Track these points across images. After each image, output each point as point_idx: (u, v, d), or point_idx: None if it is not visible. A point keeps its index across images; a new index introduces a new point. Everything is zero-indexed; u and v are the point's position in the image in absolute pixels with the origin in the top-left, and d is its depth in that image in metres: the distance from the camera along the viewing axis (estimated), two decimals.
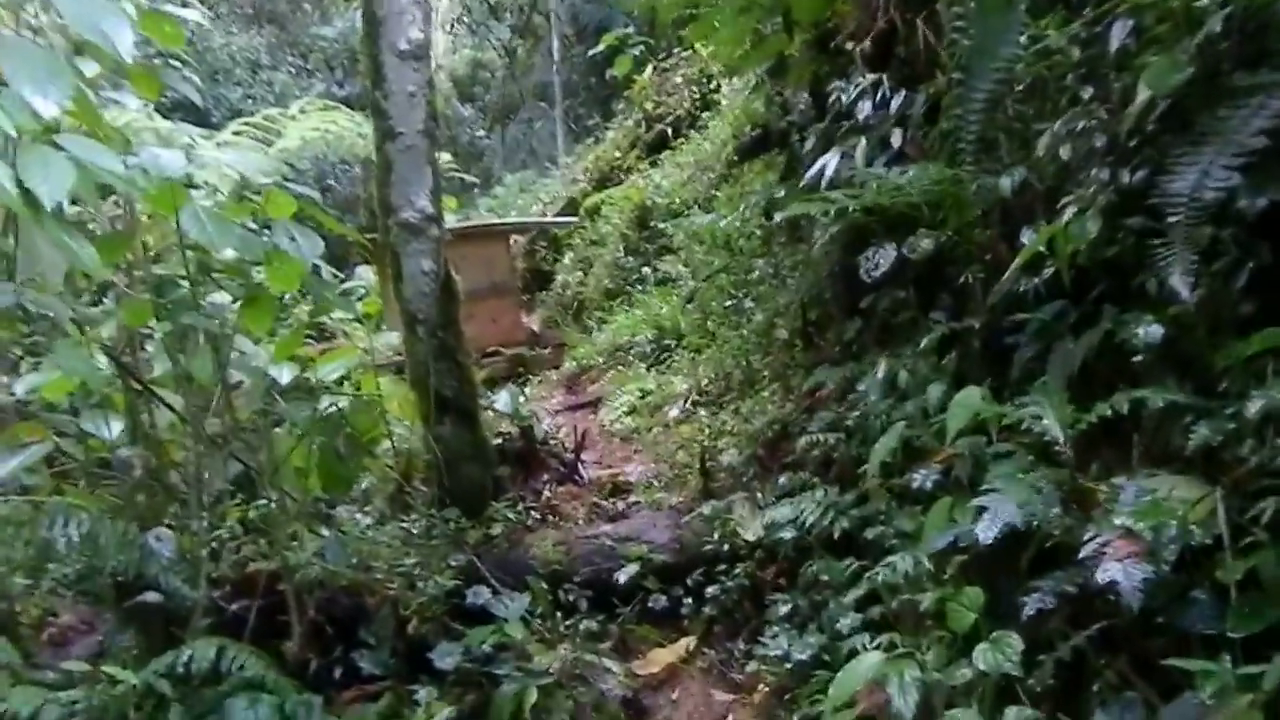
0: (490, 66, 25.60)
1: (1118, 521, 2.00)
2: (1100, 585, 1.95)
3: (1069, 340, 2.77)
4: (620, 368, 7.11)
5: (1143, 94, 2.25)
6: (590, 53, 12.44)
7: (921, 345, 3.20)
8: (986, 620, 2.51)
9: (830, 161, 3.31)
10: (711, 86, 10.22)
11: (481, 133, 25.64)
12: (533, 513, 4.94)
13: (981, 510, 2.21)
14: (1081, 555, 2.03)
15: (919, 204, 3.13)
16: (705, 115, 9.82)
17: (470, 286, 8.65)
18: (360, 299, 6.53)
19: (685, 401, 6.02)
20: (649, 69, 11.04)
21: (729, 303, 6.33)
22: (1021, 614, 2.17)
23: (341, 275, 9.69)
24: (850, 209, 3.08)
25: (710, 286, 6.94)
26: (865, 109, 3.48)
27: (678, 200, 8.67)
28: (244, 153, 9.91)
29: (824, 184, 3.34)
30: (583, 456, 5.64)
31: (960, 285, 3.21)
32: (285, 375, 5.98)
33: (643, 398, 6.46)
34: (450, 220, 11.15)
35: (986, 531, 2.13)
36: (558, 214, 10.67)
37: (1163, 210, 2.13)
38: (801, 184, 3.70)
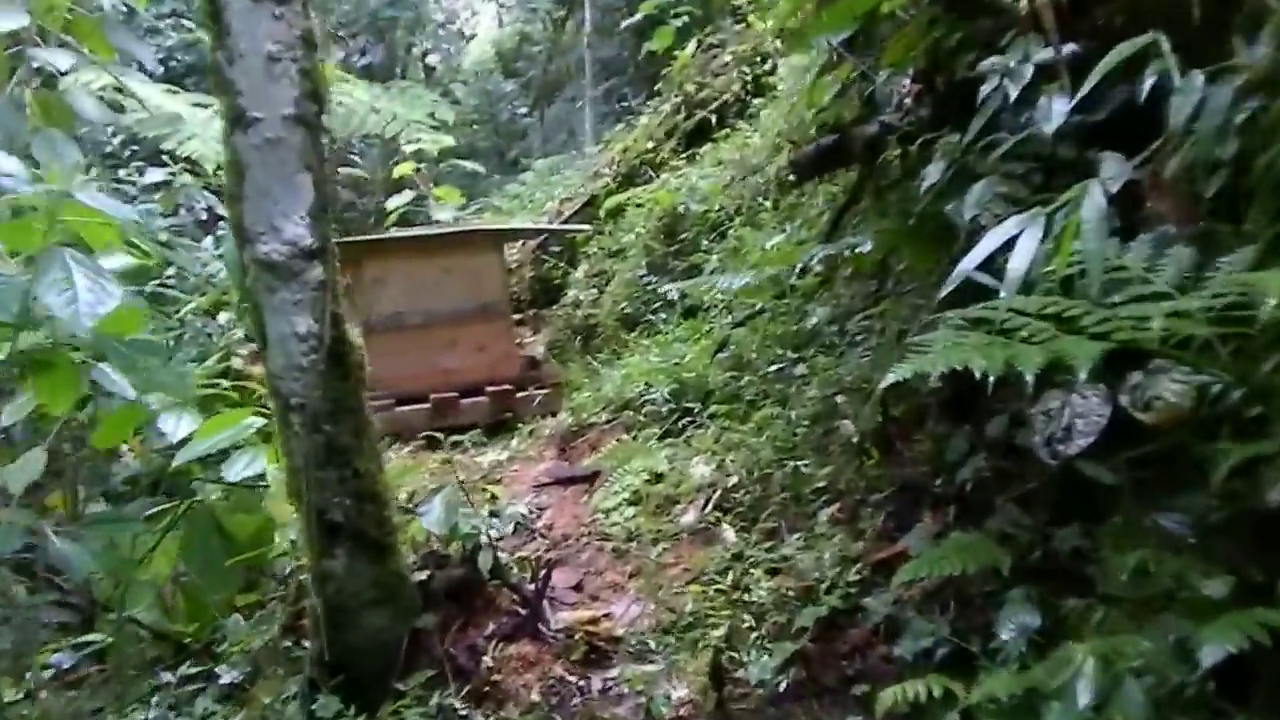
0: (537, 40, 24.02)
1: None
2: None
3: None
4: (626, 434, 5.43)
5: None
6: (624, 23, 10.73)
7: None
8: None
9: (1025, 243, 1.54)
10: (766, 67, 8.48)
11: (524, 110, 24.11)
12: (463, 694, 3.30)
13: None
14: None
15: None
16: (757, 102, 8.07)
17: (455, 306, 6.94)
18: None
19: (706, 503, 4.33)
20: (693, 44, 9.31)
21: (775, 365, 4.62)
22: None
23: None
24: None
25: (750, 331, 5.24)
26: (1055, 111, 1.76)
27: (716, 208, 6.95)
28: None
29: (1015, 276, 1.57)
30: (553, 583, 3.98)
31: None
32: (182, 427, 4.43)
33: (652, 482, 4.78)
34: (445, 215, 9.52)
35: None
36: (575, 213, 8.97)
37: None
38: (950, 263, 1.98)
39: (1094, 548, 2.28)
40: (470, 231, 7.19)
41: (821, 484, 3.76)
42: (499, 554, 3.86)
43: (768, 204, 6.41)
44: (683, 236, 6.97)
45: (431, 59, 20.50)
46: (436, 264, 6.66)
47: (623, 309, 7.11)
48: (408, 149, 9.12)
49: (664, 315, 6.62)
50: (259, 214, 2.88)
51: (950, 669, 2.32)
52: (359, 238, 7.20)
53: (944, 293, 1.59)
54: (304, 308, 3.01)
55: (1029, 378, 1.28)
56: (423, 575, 3.59)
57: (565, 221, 8.92)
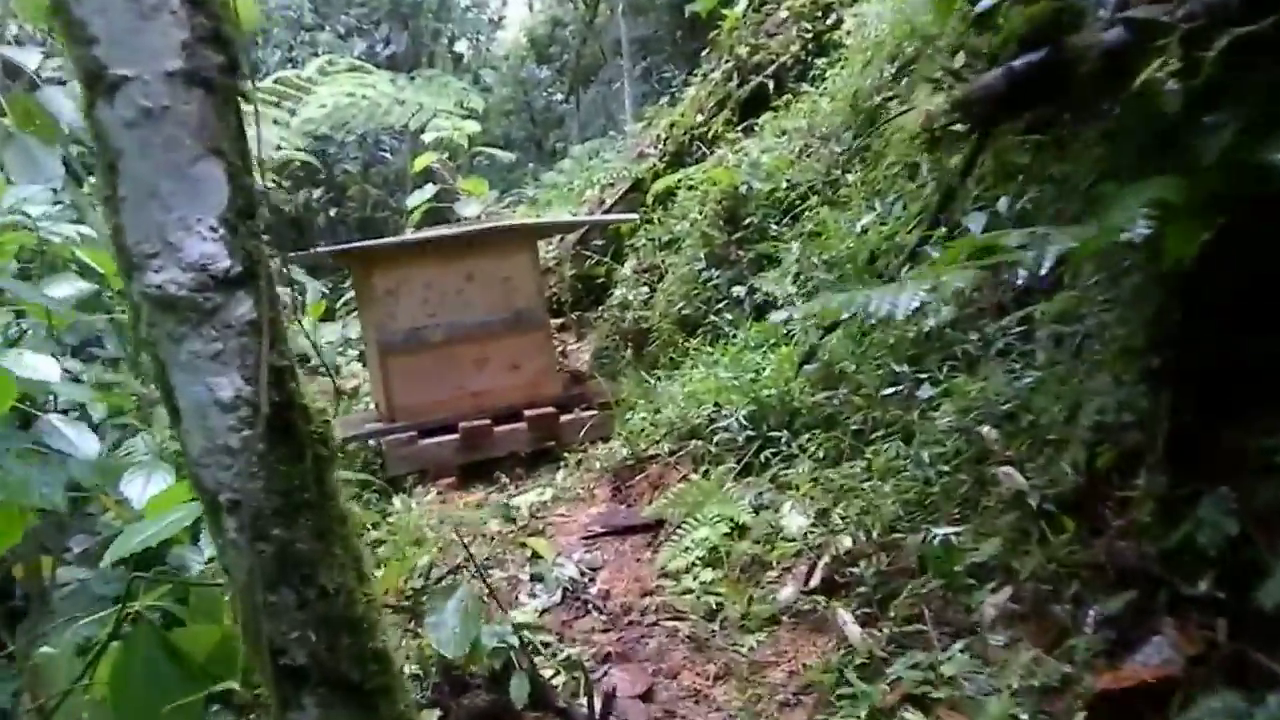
0: (570, 24, 23.15)
1: None
2: None
3: None
4: (695, 469, 4.41)
5: None
6: None
7: None
8: None
9: None
10: (828, 22, 7.38)
11: (559, 96, 23.29)
12: None
13: None
14: None
15: None
16: (820, 62, 6.97)
17: (482, 318, 5.86)
18: None
19: (810, 573, 3.30)
20: (743, 2, 8.23)
21: (891, 387, 3.57)
22: None
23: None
24: None
25: (846, 337, 4.19)
26: None
27: (784, 184, 5.89)
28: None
29: None
30: (615, 694, 2.99)
31: None
32: (149, 491, 3.57)
33: (732, 536, 3.77)
34: (472, 210, 8.53)
35: None
36: (618, 201, 7.95)
37: None
38: None
39: None
40: (496, 229, 6.18)
41: (981, 559, 2.71)
42: (537, 666, 2.87)
43: (849, 177, 5.34)
44: (747, 221, 5.93)
45: (459, 46, 19.58)
46: (458, 269, 5.68)
47: (679, 310, 6.08)
48: (427, 138, 8.15)
49: (729, 316, 5.58)
50: (144, 225, 1.88)
51: None
52: (364, 243, 6.24)
53: None
54: (227, 362, 1.99)
55: None
56: (434, 716, 2.61)
57: (608, 210, 7.90)
